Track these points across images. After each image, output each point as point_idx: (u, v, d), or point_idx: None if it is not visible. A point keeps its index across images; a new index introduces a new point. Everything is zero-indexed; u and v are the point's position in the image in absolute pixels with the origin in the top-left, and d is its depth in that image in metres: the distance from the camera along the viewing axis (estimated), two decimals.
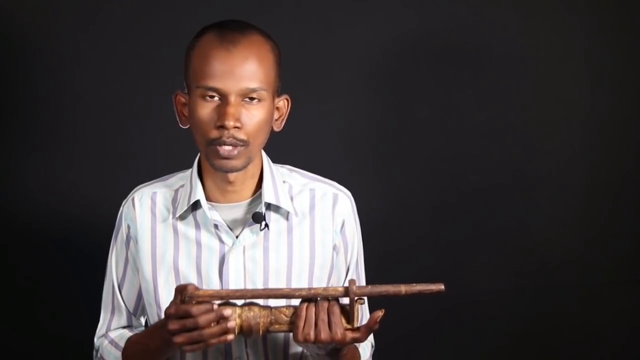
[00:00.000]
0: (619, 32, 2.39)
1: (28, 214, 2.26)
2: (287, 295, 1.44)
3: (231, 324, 1.43)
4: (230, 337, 1.44)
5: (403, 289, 1.43)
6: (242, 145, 1.52)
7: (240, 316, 1.45)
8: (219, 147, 1.51)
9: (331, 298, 1.44)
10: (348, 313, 1.45)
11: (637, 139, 2.42)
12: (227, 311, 1.43)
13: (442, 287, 1.43)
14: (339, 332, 1.43)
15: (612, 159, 2.42)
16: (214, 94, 1.51)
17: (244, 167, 1.55)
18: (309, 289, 1.44)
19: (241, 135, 1.51)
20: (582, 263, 2.43)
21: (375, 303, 1.55)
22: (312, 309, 1.43)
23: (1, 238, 2.27)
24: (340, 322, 1.43)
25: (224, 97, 1.51)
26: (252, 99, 1.52)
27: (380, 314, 1.44)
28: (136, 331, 1.71)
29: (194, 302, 1.42)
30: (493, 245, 2.41)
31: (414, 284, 1.43)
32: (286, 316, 1.46)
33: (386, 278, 2.08)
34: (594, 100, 2.40)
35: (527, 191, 2.42)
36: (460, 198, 2.40)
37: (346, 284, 1.46)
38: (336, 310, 1.44)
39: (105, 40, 2.25)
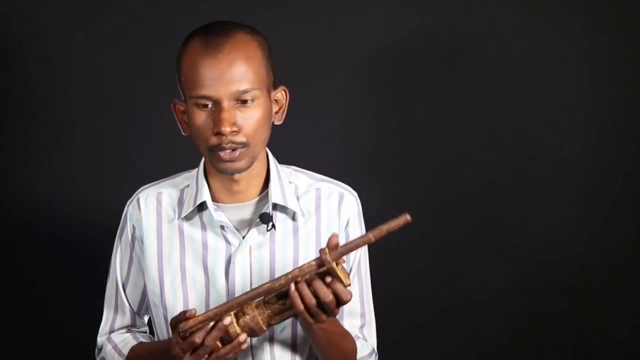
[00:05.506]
0: (619, 32, 2.39)
1: (29, 214, 2.26)
2: (268, 290, 1.43)
3: (242, 337, 1.44)
4: (245, 346, 1.45)
5: (371, 236, 1.40)
6: (242, 147, 1.52)
7: (238, 324, 1.45)
8: (220, 153, 1.51)
9: (310, 276, 1.41)
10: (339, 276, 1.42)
11: (637, 139, 2.42)
12: (227, 319, 1.44)
13: (408, 216, 1.40)
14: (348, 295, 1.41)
15: (612, 159, 2.42)
16: (206, 102, 1.50)
17: (249, 166, 1.55)
18: (286, 275, 1.42)
19: (240, 138, 1.51)
20: (582, 263, 2.43)
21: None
22: (305, 288, 1.41)
23: (2, 237, 2.27)
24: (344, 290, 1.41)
25: (217, 104, 1.50)
26: (245, 100, 1.51)
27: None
28: (139, 336, 1.71)
29: (188, 333, 1.44)
30: (493, 245, 2.41)
31: (380, 226, 1.40)
32: (280, 305, 1.45)
33: (387, 277, 2.09)
34: (594, 100, 2.40)
35: (527, 191, 2.42)
36: (460, 198, 2.40)
37: (317, 254, 1.44)
38: (338, 286, 1.41)
39: (106, 40, 2.25)
